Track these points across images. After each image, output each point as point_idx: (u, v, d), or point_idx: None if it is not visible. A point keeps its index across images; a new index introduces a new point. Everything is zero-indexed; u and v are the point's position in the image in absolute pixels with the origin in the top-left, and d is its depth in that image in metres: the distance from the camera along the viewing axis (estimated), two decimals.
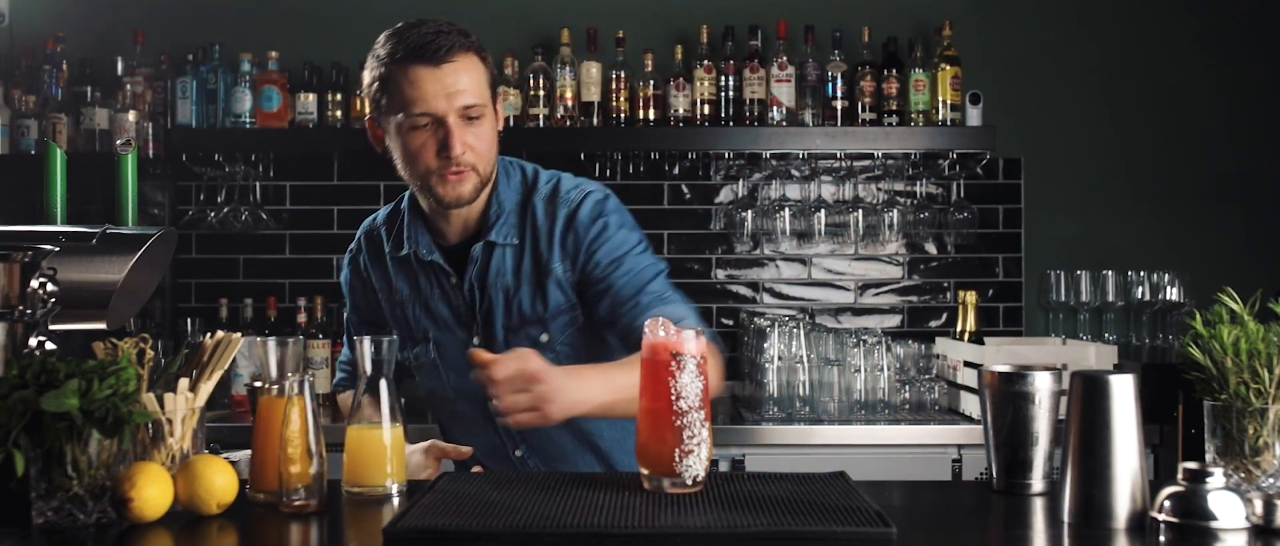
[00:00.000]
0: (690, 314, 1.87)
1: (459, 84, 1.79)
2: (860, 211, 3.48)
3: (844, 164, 3.53)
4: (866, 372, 3.05)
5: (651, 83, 3.38)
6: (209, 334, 1.63)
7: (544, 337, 1.90)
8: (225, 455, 1.65)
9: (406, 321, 1.97)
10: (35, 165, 2.51)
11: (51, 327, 1.61)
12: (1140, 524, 1.36)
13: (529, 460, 2.00)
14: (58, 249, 1.65)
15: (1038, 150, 3.61)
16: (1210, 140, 3.61)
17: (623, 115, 3.39)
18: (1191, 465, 1.35)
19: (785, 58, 3.39)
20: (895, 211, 3.49)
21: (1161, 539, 1.32)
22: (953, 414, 3.03)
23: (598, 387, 1.68)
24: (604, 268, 1.87)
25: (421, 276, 1.96)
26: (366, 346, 1.58)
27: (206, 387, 1.59)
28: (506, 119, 3.39)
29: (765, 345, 3.06)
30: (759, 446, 2.88)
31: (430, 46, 1.78)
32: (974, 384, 2.91)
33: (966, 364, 2.97)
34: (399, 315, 1.99)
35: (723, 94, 3.40)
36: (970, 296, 3.14)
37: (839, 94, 3.39)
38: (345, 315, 2.14)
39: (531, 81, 3.40)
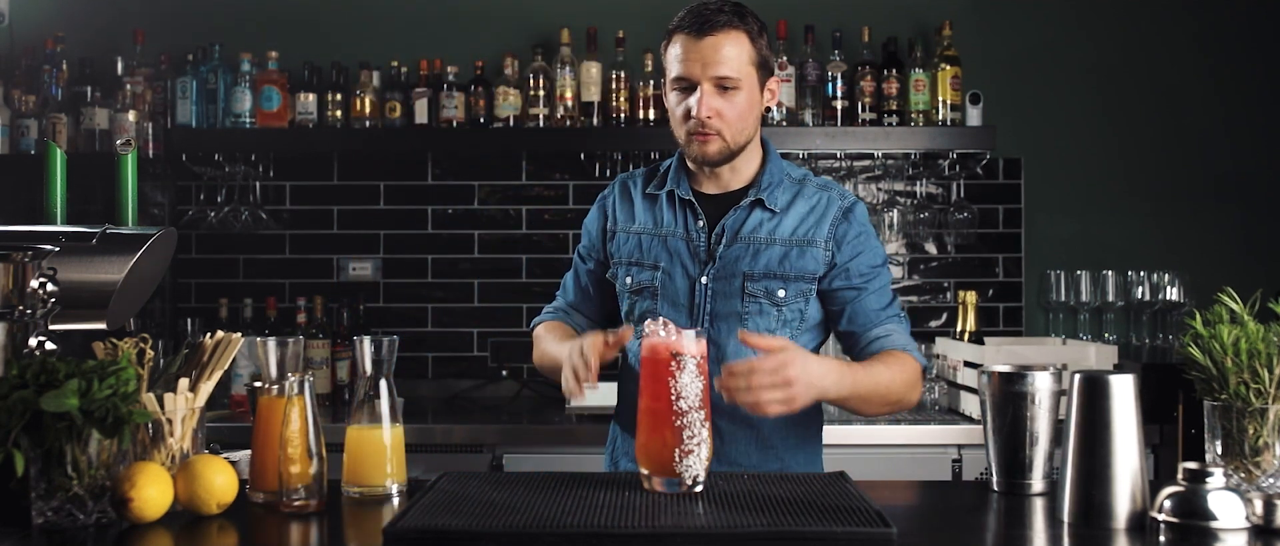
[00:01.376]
0: (907, 333, 2.09)
1: (717, 56, 1.97)
2: None
3: (844, 164, 3.53)
4: None
5: (651, 82, 3.38)
6: (209, 334, 1.64)
7: (781, 293, 2.06)
8: (225, 455, 1.65)
9: (639, 248, 2.13)
10: (35, 165, 2.51)
11: (51, 327, 1.61)
12: (1140, 524, 1.36)
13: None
14: (58, 249, 1.65)
15: (1038, 150, 3.61)
16: (1209, 140, 3.61)
17: (623, 115, 3.39)
18: (1191, 465, 1.35)
19: (785, 58, 3.39)
20: (895, 211, 3.49)
21: (1161, 539, 1.32)
22: (953, 414, 3.03)
23: (836, 375, 1.85)
24: (864, 273, 2.08)
25: (669, 212, 2.13)
26: (367, 346, 1.58)
27: (206, 387, 1.60)
28: (507, 119, 3.40)
29: None
30: None
31: (699, 20, 1.99)
32: (974, 384, 2.91)
33: (966, 364, 2.97)
34: (633, 242, 2.14)
35: None
36: (970, 296, 3.14)
37: (839, 94, 3.39)
38: (576, 256, 2.28)
39: (531, 81, 3.40)
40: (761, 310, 2.06)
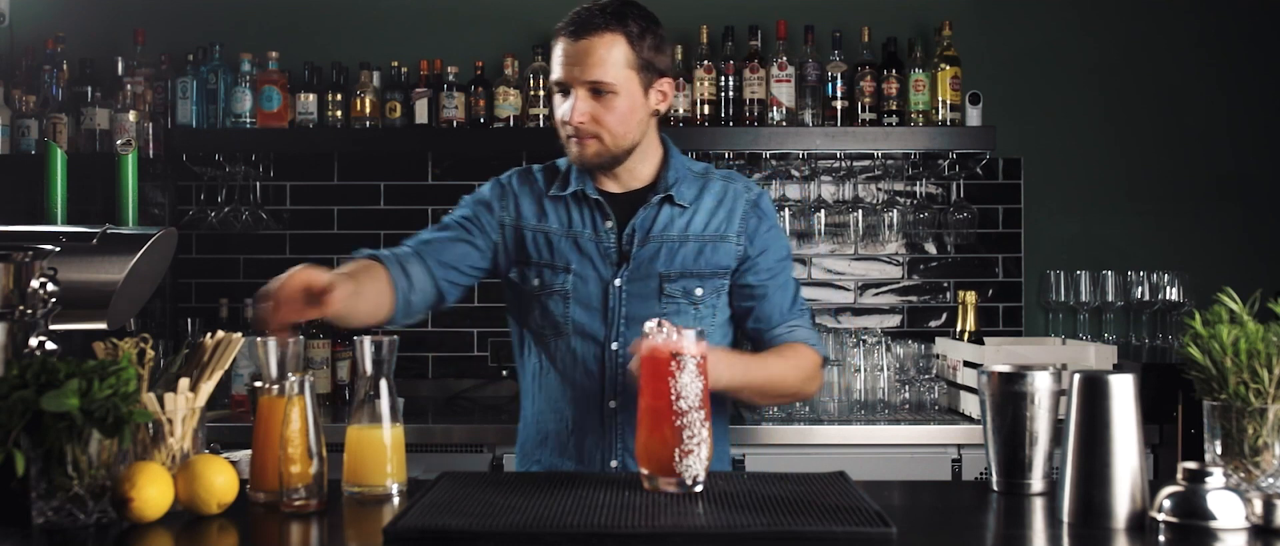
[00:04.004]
0: (814, 328, 2.13)
1: (590, 59, 1.94)
2: (860, 211, 3.48)
3: (844, 164, 3.53)
4: (866, 372, 3.05)
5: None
6: (209, 334, 1.64)
7: (699, 291, 2.05)
8: (225, 455, 1.65)
9: (550, 248, 2.06)
10: (35, 165, 2.51)
11: (51, 327, 1.61)
12: (1140, 523, 1.36)
13: (619, 415, 2.04)
14: (58, 249, 1.65)
15: (1038, 150, 3.61)
16: (1210, 140, 3.61)
17: None
18: (1191, 465, 1.35)
19: (785, 58, 3.39)
20: (895, 211, 3.49)
21: (1161, 538, 1.32)
22: (953, 414, 3.03)
23: (728, 369, 1.85)
24: (771, 268, 2.09)
25: (576, 213, 2.07)
26: (367, 346, 1.58)
27: (206, 387, 1.60)
28: (507, 119, 3.40)
29: None
30: (759, 446, 2.88)
31: (577, 22, 1.96)
32: (974, 384, 2.91)
33: (966, 364, 2.97)
34: (542, 242, 2.07)
35: (723, 94, 3.40)
36: (970, 296, 3.14)
37: (839, 94, 3.39)
38: (449, 218, 2.14)
39: (531, 81, 3.40)
40: (679, 310, 2.03)
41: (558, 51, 1.98)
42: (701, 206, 2.07)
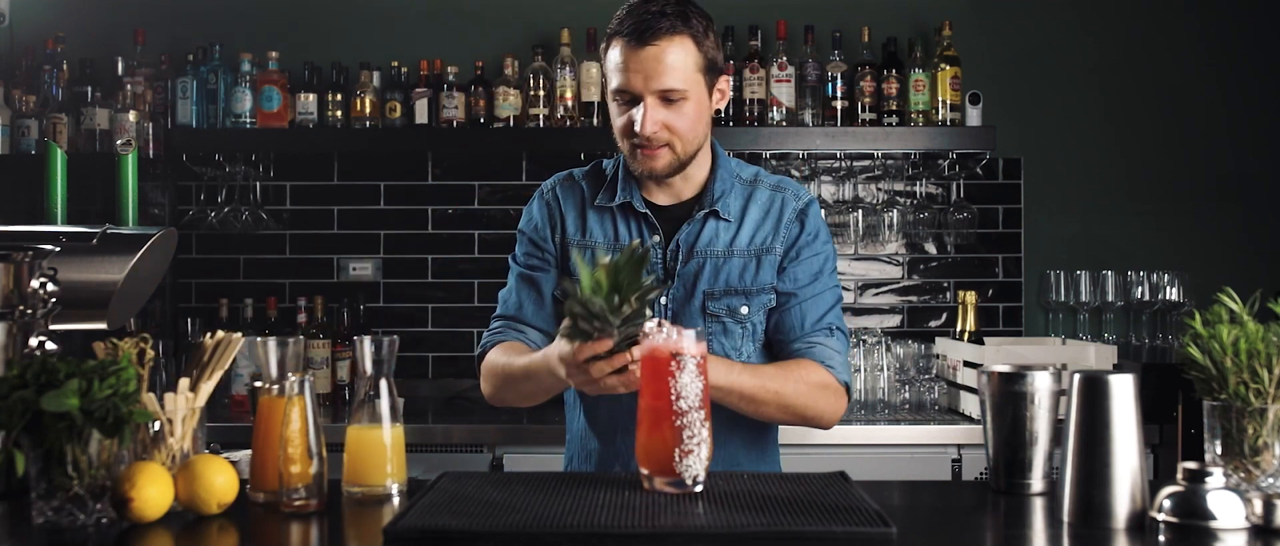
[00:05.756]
0: (841, 351, 1.96)
1: (661, 67, 1.82)
2: (860, 211, 3.48)
3: (844, 164, 3.53)
4: (866, 372, 3.05)
5: None
6: (209, 334, 1.63)
7: (744, 309, 1.96)
8: (225, 455, 1.65)
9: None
10: (35, 165, 2.51)
11: (51, 327, 1.61)
12: (1140, 523, 1.36)
13: None
14: (58, 249, 1.65)
15: (1038, 150, 3.61)
16: (1210, 140, 3.61)
17: None
18: (1191, 465, 1.35)
19: (785, 58, 3.39)
20: (895, 211, 3.50)
21: (1161, 538, 1.32)
22: (953, 414, 3.03)
23: (711, 369, 1.68)
24: (800, 280, 1.97)
25: (623, 226, 1.98)
26: (367, 346, 1.58)
27: (206, 387, 1.60)
28: (507, 119, 3.40)
29: None
30: None
31: (639, 25, 1.82)
32: (974, 384, 2.91)
33: (966, 364, 2.97)
34: (589, 259, 1.96)
35: None
36: (970, 296, 3.14)
37: (839, 94, 3.40)
38: (515, 256, 2.08)
39: (531, 81, 3.40)
40: (725, 329, 1.95)
41: (617, 57, 1.85)
42: (748, 218, 1.98)
